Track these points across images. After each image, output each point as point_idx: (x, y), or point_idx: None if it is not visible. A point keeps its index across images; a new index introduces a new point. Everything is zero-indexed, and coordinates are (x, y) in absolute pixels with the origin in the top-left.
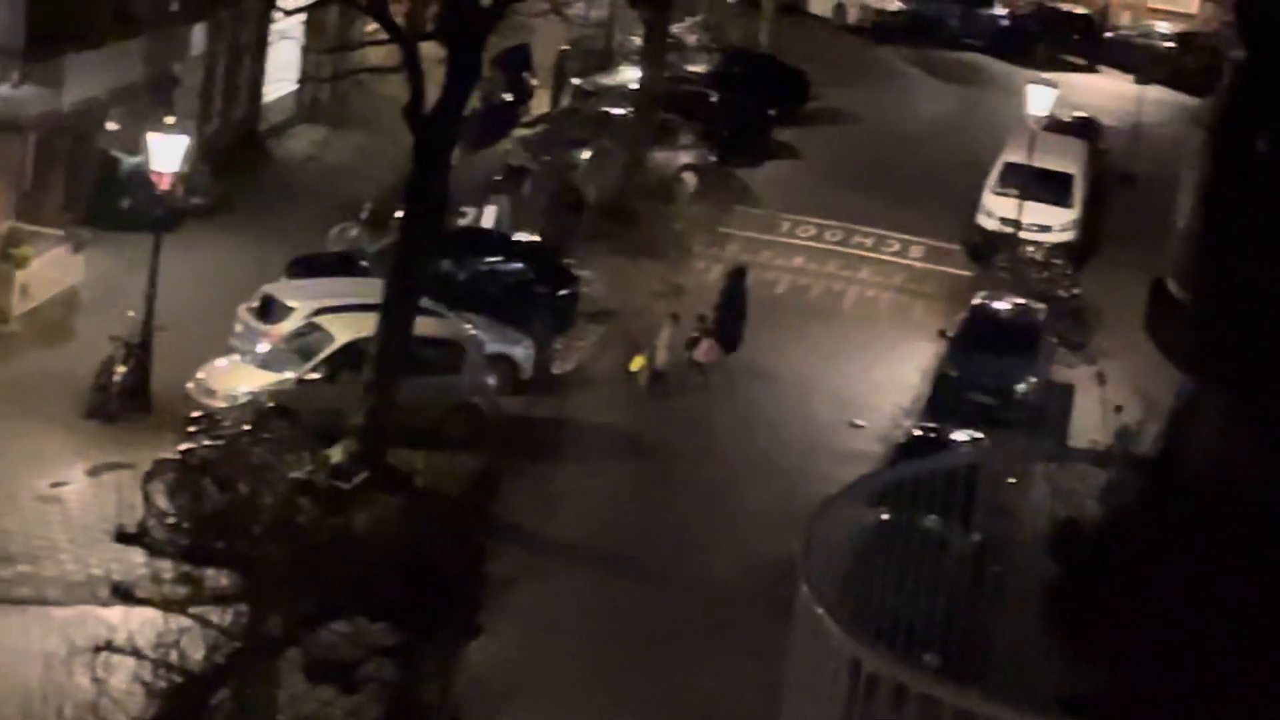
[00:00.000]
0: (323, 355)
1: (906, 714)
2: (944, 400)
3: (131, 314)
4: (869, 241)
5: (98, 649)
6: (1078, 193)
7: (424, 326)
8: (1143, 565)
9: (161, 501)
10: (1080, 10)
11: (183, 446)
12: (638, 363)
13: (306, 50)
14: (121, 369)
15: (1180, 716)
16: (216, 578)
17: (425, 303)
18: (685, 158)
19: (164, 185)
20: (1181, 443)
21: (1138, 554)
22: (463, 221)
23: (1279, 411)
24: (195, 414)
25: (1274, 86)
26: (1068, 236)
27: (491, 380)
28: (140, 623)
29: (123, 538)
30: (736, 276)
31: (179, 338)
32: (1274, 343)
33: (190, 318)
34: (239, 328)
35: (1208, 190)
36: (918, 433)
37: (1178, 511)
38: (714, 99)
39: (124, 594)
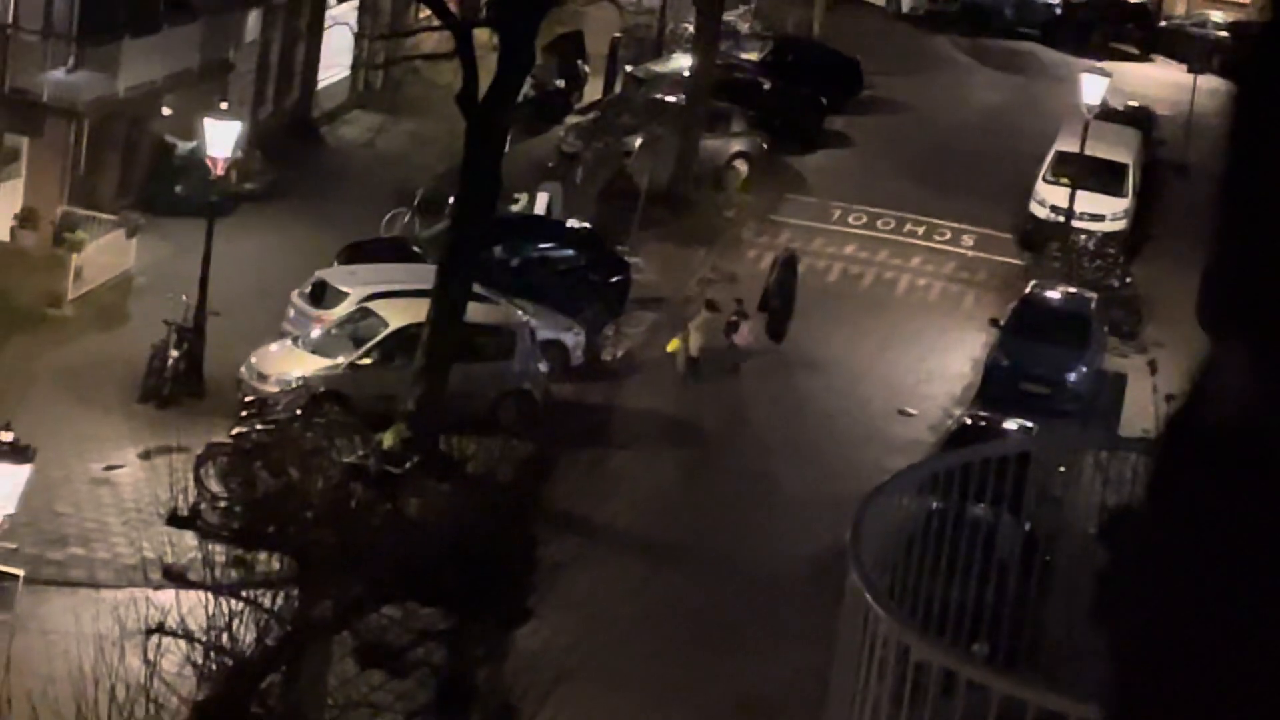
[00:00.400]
0: (375, 341)
1: (955, 701)
2: (995, 389)
3: (185, 299)
4: (921, 230)
5: (149, 632)
6: (1130, 182)
7: (476, 312)
8: (1161, 536)
9: (214, 485)
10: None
11: (235, 431)
12: (673, 345)
13: (360, 37)
14: (175, 353)
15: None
16: (268, 561)
17: (477, 289)
18: (737, 145)
19: (218, 171)
20: (1201, 404)
21: (1155, 525)
22: (515, 208)
23: None
24: (248, 398)
25: None
26: (1120, 226)
27: (543, 366)
28: (192, 606)
29: (175, 521)
30: (788, 264)
31: (232, 322)
32: None
33: (243, 302)
34: (291, 313)
35: (1229, 139)
36: (969, 421)
37: (1196, 473)
38: (766, 87)
39: (176, 577)
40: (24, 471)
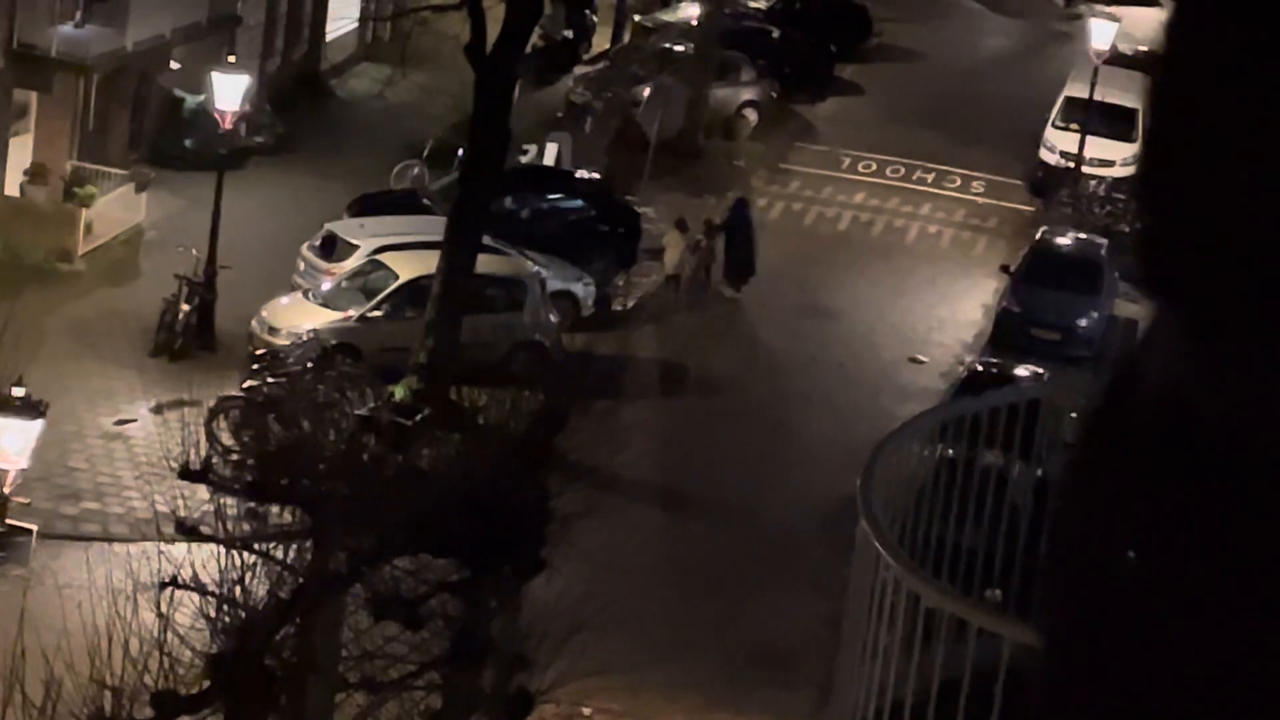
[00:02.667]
0: (385, 293)
1: (966, 649)
2: (1007, 335)
3: (195, 253)
4: (931, 177)
5: (163, 585)
6: (1140, 127)
7: (486, 264)
8: (1088, 519)
9: (226, 438)
10: None
11: (246, 384)
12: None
13: None
14: (186, 307)
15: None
16: (280, 514)
17: (487, 240)
18: (746, 94)
19: (226, 125)
20: (1137, 365)
21: (1081, 505)
22: (524, 159)
23: (1232, 329)
24: (259, 352)
25: None
26: (1130, 170)
27: (554, 317)
28: (204, 559)
29: (187, 474)
30: (739, 206)
31: (243, 276)
32: (1226, 259)
33: (254, 256)
34: (302, 266)
35: (1155, 102)
36: (980, 368)
37: (1129, 436)
38: (775, 35)
39: (188, 530)
40: (36, 426)
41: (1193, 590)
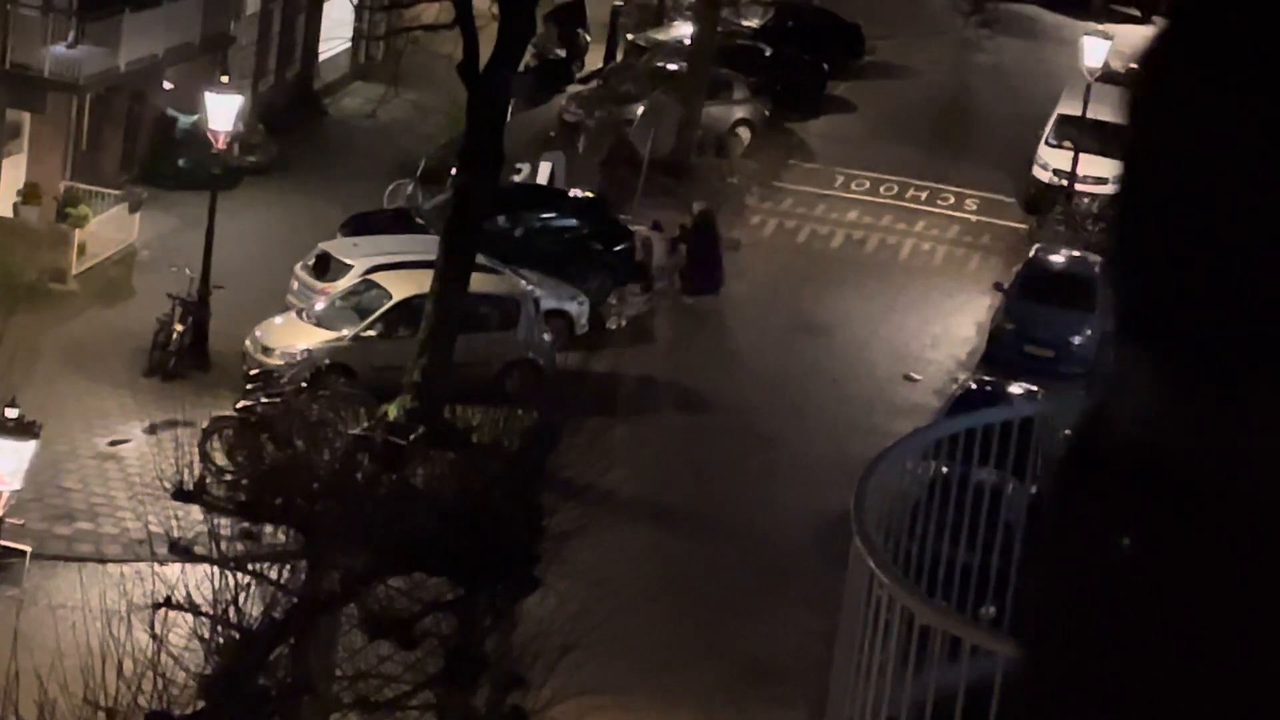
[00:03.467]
0: (379, 312)
1: (961, 666)
2: (1000, 353)
3: (189, 272)
4: (924, 195)
5: (156, 605)
6: None
7: (480, 282)
8: (1058, 567)
9: (220, 458)
10: None
11: (240, 404)
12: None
13: (361, 8)
14: (179, 327)
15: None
16: (274, 534)
17: (481, 259)
18: (739, 112)
19: (220, 145)
20: (1105, 417)
21: (1053, 553)
22: (517, 178)
23: (1203, 374)
24: (253, 371)
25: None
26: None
27: (547, 336)
28: (198, 579)
29: (181, 495)
30: (702, 218)
31: (236, 295)
32: (1198, 304)
33: (247, 275)
34: (295, 285)
35: (1129, 142)
36: (973, 385)
37: (1096, 493)
38: (768, 53)
39: (182, 551)
40: (30, 447)
41: (1176, 620)
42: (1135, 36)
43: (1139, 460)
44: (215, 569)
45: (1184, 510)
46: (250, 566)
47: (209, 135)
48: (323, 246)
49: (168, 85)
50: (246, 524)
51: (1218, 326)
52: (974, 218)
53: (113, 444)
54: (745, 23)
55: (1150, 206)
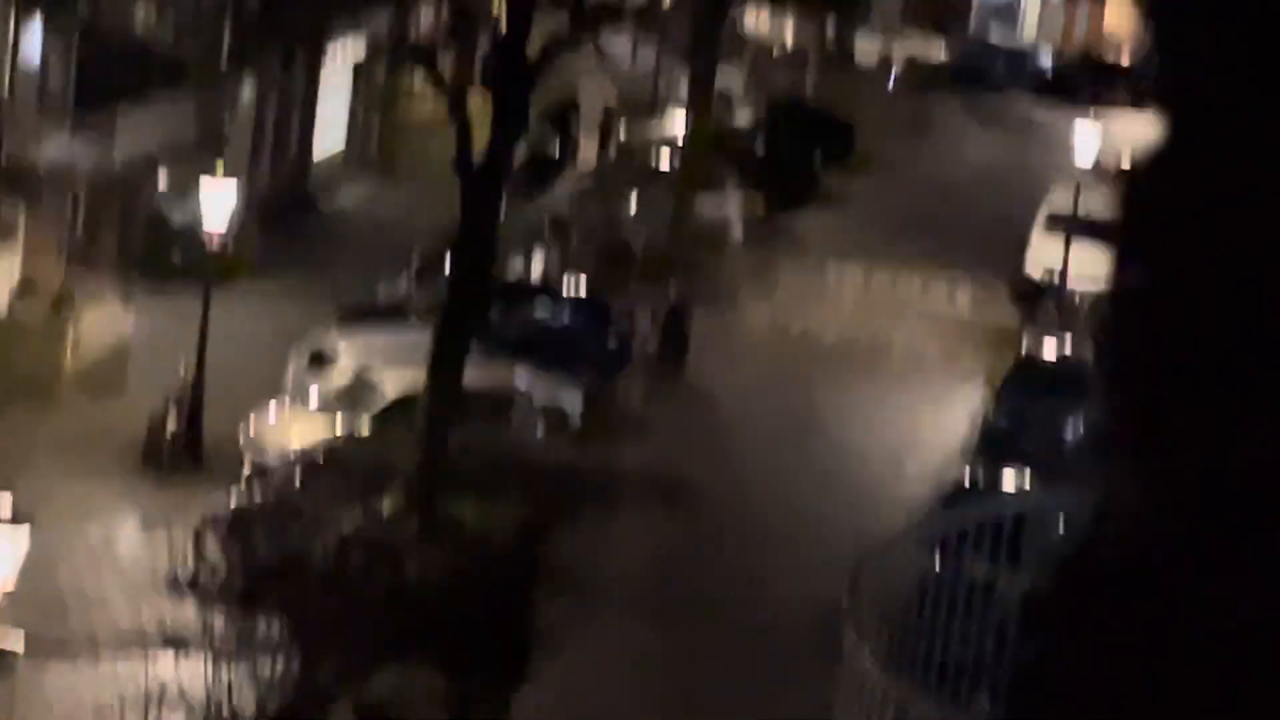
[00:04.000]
0: (373, 409)
1: None
2: (992, 450)
3: (182, 368)
4: (915, 289)
5: (150, 700)
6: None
7: (474, 378)
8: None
9: (213, 553)
10: (1124, 62)
11: (234, 498)
12: None
13: (355, 104)
14: (173, 422)
15: None
16: (268, 629)
17: (474, 354)
18: (732, 207)
19: (214, 245)
20: (1097, 529)
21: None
22: (511, 274)
23: (1191, 495)
24: (246, 466)
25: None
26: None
27: (541, 430)
28: (192, 674)
29: (174, 588)
30: (676, 310)
31: (230, 390)
32: (1181, 428)
33: (241, 371)
34: (289, 381)
35: (1120, 244)
36: (966, 482)
37: (1093, 610)
38: (760, 149)
39: (176, 645)
40: (23, 543)
41: None
42: (1124, 130)
43: (1133, 584)
44: (208, 664)
45: (1186, 635)
46: (243, 661)
47: (203, 233)
48: (317, 342)
49: (163, 181)
50: (239, 618)
51: (1220, 460)
52: (966, 313)
53: (106, 538)
54: (738, 119)
55: (1137, 333)
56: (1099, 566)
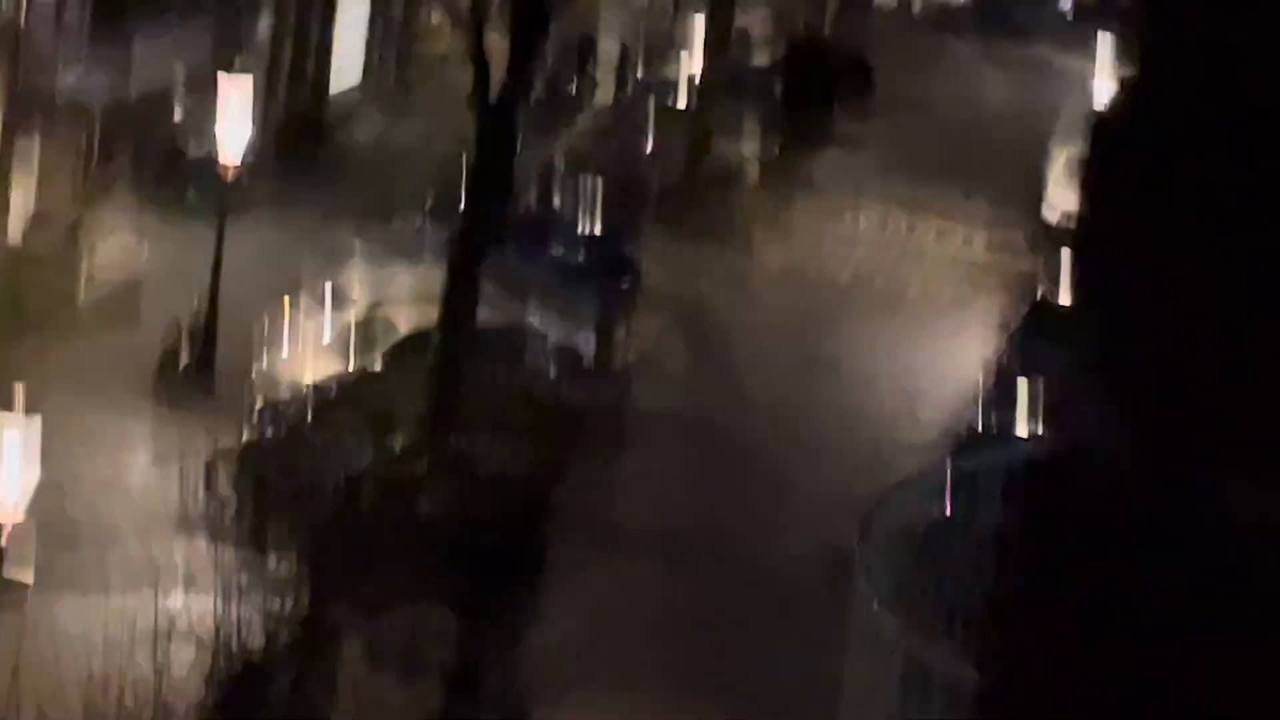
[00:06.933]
0: (386, 344)
1: (961, 705)
2: (1006, 393)
3: (196, 301)
4: (932, 232)
5: (159, 636)
6: None
7: (487, 315)
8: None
9: (224, 488)
10: None
11: (246, 434)
12: None
13: (372, 38)
14: (186, 356)
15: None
16: (278, 565)
17: (488, 292)
18: (749, 147)
19: (229, 176)
20: (1059, 439)
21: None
22: (526, 211)
23: (1151, 407)
24: (258, 400)
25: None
26: None
27: (554, 369)
28: (202, 610)
29: (185, 524)
30: None
31: (243, 325)
32: (1146, 345)
33: (254, 305)
34: (303, 315)
35: (1086, 189)
36: (979, 428)
37: (1048, 511)
38: (778, 88)
39: (186, 581)
40: (35, 475)
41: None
42: None
43: (1101, 514)
44: (218, 599)
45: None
46: (253, 597)
47: (218, 166)
48: (330, 278)
49: (178, 114)
50: (250, 554)
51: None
52: (983, 256)
53: (118, 472)
54: (755, 58)
55: (1103, 246)
56: (1071, 501)
